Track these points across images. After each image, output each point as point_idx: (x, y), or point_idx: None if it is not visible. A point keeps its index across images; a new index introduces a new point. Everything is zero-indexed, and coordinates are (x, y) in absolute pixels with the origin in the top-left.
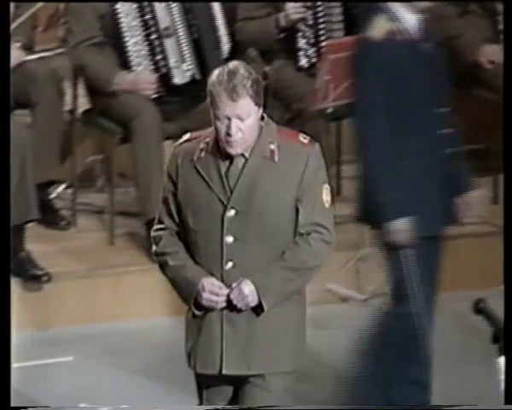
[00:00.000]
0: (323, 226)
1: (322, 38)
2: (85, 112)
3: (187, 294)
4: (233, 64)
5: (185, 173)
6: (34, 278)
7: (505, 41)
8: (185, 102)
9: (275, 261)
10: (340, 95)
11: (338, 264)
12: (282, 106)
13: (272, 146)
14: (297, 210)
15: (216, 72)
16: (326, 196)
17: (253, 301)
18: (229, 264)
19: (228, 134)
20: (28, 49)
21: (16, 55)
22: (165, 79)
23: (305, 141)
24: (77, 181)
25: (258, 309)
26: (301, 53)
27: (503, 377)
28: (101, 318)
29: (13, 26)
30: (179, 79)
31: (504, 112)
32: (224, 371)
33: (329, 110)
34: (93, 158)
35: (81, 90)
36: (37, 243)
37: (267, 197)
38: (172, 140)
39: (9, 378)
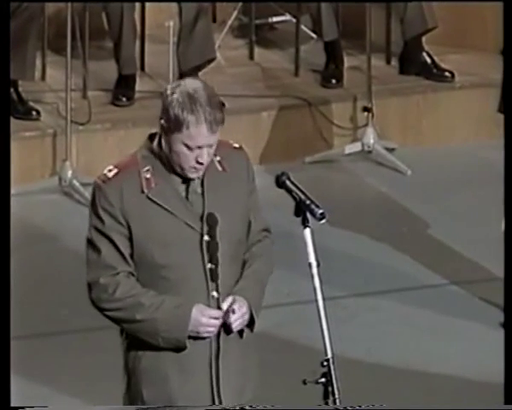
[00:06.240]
0: (268, 230)
1: None
2: None
3: (177, 328)
4: (195, 85)
5: (138, 209)
6: None
7: (505, 41)
8: None
9: (245, 276)
10: None
11: None
12: None
13: (218, 158)
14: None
15: (177, 95)
16: None
17: (247, 317)
18: (214, 291)
19: (199, 162)
20: None
21: None
22: None
23: (237, 146)
24: None
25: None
26: None
27: (310, 248)
28: None
29: None
30: None
31: (505, 111)
32: (218, 404)
33: None
34: None
35: None
36: None
37: (232, 213)
38: None
39: (9, 378)
